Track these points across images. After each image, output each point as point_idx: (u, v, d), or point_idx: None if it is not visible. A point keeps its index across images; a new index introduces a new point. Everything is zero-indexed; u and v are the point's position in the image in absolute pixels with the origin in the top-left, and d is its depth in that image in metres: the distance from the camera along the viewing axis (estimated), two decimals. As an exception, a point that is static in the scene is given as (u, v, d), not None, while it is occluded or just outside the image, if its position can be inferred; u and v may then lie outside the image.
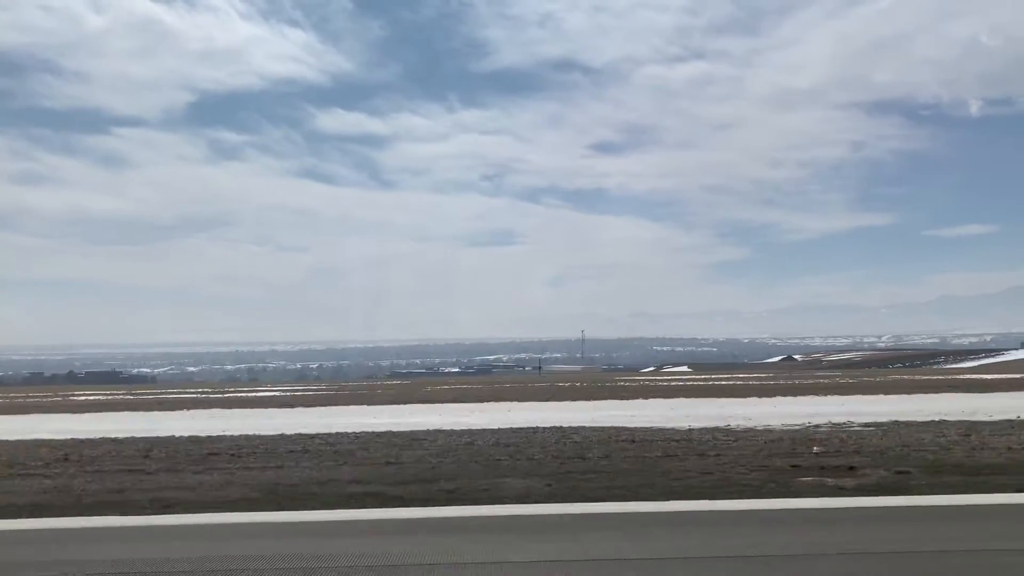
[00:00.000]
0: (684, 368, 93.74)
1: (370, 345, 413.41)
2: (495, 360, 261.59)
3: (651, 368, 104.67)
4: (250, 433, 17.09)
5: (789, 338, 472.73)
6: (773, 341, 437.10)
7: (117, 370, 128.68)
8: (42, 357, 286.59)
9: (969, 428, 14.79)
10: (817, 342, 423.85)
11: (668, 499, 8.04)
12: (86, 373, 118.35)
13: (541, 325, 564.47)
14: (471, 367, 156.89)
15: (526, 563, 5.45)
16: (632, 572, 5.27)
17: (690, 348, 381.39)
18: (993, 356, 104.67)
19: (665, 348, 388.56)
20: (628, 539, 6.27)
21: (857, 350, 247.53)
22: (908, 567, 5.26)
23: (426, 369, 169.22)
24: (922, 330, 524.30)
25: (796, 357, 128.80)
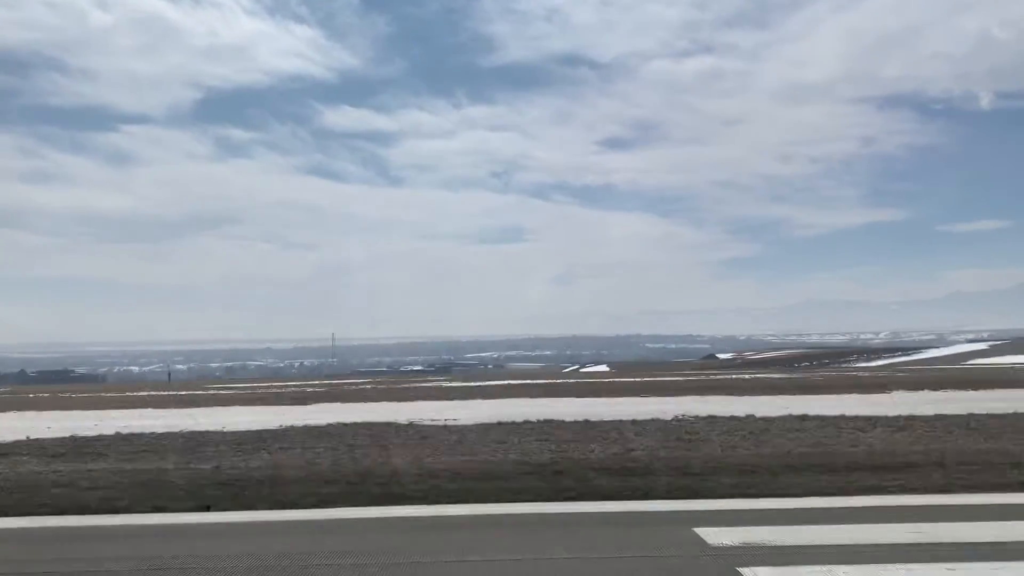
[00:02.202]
0: (603, 367, 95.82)
1: (369, 343, 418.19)
2: (472, 358, 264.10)
3: (573, 367, 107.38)
4: None
5: (787, 335, 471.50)
6: (770, 337, 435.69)
7: (69, 369, 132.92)
8: (40, 355, 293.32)
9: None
10: (814, 338, 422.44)
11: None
12: (37, 372, 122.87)
13: (548, 322, 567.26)
14: (432, 366, 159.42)
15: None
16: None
17: (683, 345, 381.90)
18: (910, 354, 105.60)
19: (658, 345, 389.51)
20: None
21: (853, 347, 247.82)
22: None
23: (387, 368, 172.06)
24: (929, 327, 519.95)
25: (719, 355, 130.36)
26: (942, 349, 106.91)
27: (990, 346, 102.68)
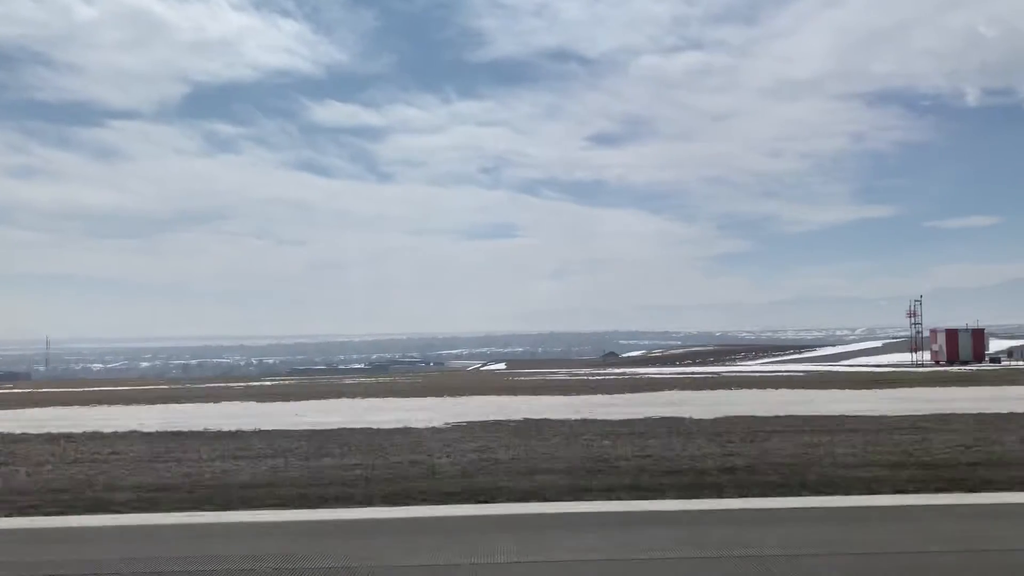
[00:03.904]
0: (501, 366, 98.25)
1: (344, 339, 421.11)
2: (433, 355, 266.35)
3: (478, 364, 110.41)
4: None
5: (764, 331, 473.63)
6: (744, 334, 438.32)
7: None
8: (10, 353, 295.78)
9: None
10: (790, 335, 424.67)
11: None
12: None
13: (535, 318, 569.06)
14: (369, 364, 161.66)
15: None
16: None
17: (656, 341, 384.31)
18: (802, 351, 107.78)
19: (632, 341, 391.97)
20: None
21: (827, 344, 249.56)
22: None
23: (326, 366, 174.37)
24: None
25: (625, 355, 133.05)
26: (838, 347, 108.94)
27: (883, 344, 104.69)
